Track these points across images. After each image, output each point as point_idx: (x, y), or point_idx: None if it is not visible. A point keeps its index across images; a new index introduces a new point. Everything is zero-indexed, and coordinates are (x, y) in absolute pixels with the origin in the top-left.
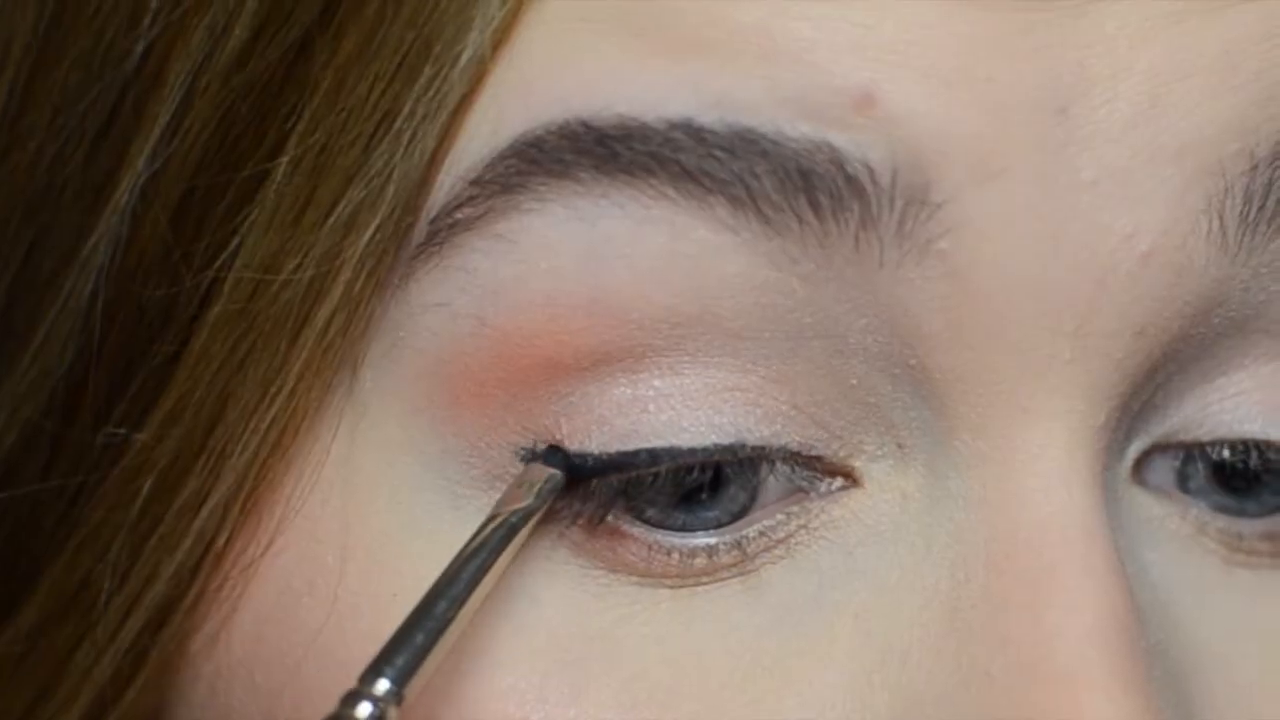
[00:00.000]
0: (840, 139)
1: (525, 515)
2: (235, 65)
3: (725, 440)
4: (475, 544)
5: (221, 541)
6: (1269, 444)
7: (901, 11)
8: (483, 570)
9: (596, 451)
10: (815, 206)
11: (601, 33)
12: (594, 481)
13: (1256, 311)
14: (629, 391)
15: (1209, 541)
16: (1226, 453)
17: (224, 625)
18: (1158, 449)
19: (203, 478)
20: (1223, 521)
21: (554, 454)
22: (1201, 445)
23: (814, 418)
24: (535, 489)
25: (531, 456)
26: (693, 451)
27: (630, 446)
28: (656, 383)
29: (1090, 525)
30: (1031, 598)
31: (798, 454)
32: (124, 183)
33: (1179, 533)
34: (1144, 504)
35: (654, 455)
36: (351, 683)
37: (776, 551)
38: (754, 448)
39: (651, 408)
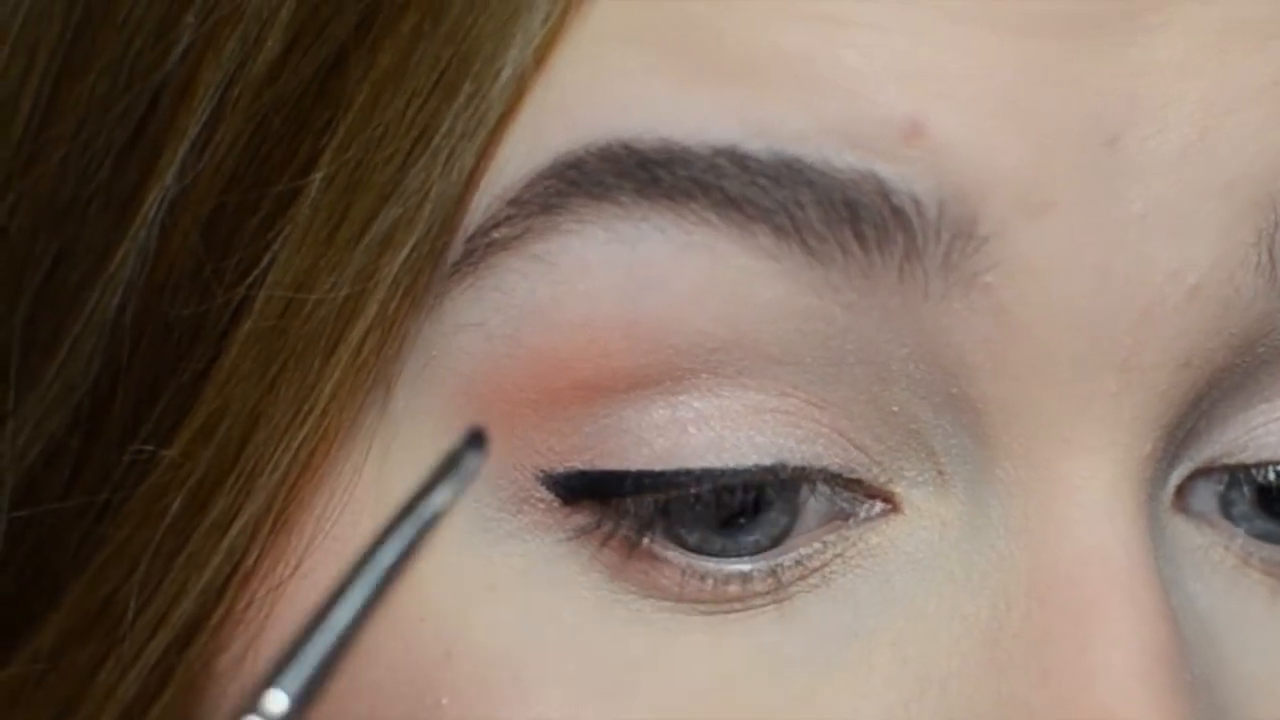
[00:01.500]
0: (887, 170)
1: (434, 515)
2: (268, 78)
3: (766, 461)
4: (384, 540)
5: (250, 561)
6: None
7: (948, 39)
8: (389, 576)
9: (635, 470)
10: (860, 238)
11: (645, 54)
12: (629, 501)
13: None
14: (668, 413)
15: (1253, 572)
16: (1271, 475)
17: (251, 646)
18: (1200, 473)
19: (232, 496)
20: (1267, 551)
21: (475, 441)
22: (1246, 468)
23: (854, 441)
24: (453, 478)
25: (549, 480)
26: (734, 472)
27: (670, 467)
28: (696, 404)
29: (1134, 557)
30: (1074, 630)
31: (839, 475)
32: (152, 196)
33: (1224, 564)
34: (1187, 533)
35: (694, 476)
36: (387, 709)
37: (812, 580)
38: (795, 468)
39: (691, 429)
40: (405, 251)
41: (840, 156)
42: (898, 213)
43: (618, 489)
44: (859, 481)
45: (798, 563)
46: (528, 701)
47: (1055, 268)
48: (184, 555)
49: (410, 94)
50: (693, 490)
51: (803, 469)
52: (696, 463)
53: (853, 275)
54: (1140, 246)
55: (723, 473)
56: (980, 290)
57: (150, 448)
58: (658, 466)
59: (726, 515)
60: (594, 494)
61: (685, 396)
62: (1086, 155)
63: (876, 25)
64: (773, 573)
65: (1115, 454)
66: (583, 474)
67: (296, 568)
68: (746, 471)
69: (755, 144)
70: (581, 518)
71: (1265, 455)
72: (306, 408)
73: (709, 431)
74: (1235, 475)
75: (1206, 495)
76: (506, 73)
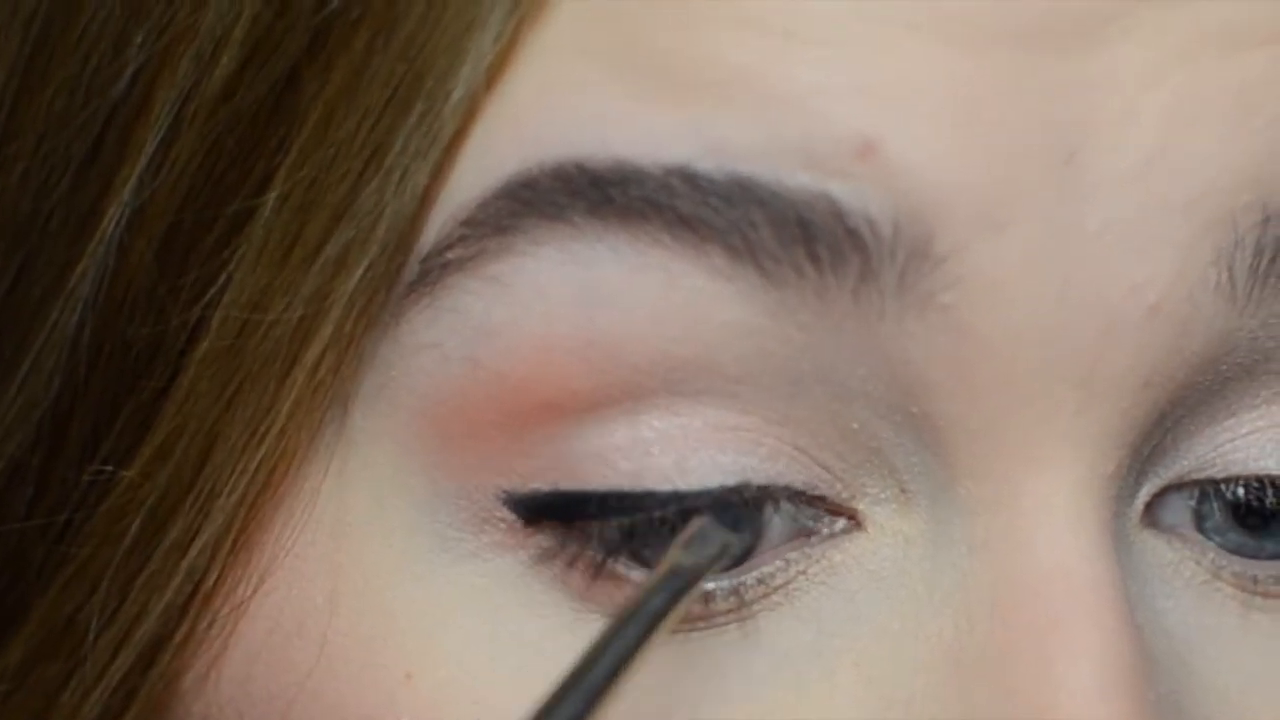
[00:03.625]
0: (840, 190)
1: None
2: (222, 96)
3: (730, 481)
4: (636, 608)
5: (211, 580)
6: None
7: (903, 55)
8: (644, 639)
9: (600, 492)
10: (814, 258)
11: (599, 71)
12: (594, 525)
13: (1265, 356)
14: (629, 434)
15: (1225, 586)
16: (1241, 490)
17: (214, 664)
18: (1172, 488)
19: (191, 516)
20: (1238, 565)
21: (556, 499)
22: (1216, 483)
23: (816, 459)
24: (704, 549)
25: (511, 500)
26: (698, 495)
27: (637, 489)
28: (657, 424)
29: (1098, 575)
30: (1038, 648)
31: (802, 493)
32: (109, 213)
33: (1194, 579)
34: (1156, 549)
35: (660, 499)
36: None
37: (775, 598)
38: (759, 487)
39: (654, 450)
40: (359, 272)
41: (793, 176)
42: (852, 234)
43: (582, 511)
44: (822, 498)
45: (760, 581)
46: None
47: (1014, 285)
48: (145, 575)
49: (363, 112)
50: (657, 513)
51: (766, 488)
52: (661, 485)
53: (807, 297)
54: (1100, 264)
55: (687, 495)
56: (937, 310)
57: (110, 468)
58: (624, 487)
59: None
60: (557, 515)
61: (646, 416)
62: (1044, 171)
63: (831, 41)
64: (735, 591)
65: (1078, 471)
66: (546, 495)
67: (258, 586)
68: (711, 493)
69: (707, 163)
70: (544, 539)
71: (1235, 470)
72: (264, 428)
73: (672, 452)
74: (1206, 490)
75: (1179, 509)
76: (459, 91)
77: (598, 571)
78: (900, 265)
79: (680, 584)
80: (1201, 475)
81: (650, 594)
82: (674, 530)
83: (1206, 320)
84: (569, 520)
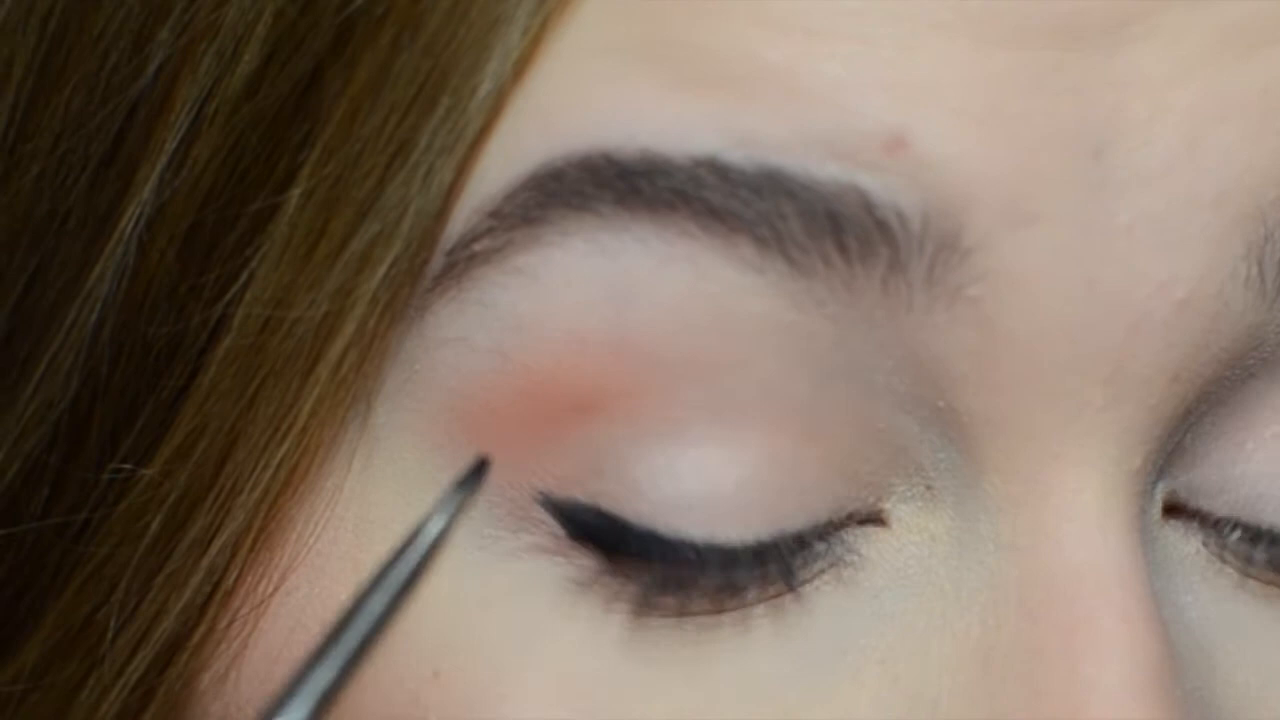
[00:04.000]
0: (870, 182)
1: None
2: (245, 93)
3: (765, 536)
4: (389, 566)
5: (231, 579)
6: None
7: (933, 51)
8: (397, 602)
9: (638, 530)
10: (843, 250)
11: (626, 64)
12: (633, 562)
13: None
14: (665, 465)
15: (1249, 581)
16: (1238, 534)
17: (233, 664)
18: (1178, 510)
19: (212, 515)
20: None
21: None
22: (1216, 520)
23: (844, 470)
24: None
25: (549, 503)
26: (734, 552)
27: (672, 536)
28: (693, 453)
29: (1126, 572)
30: (1066, 647)
31: (830, 522)
32: (129, 212)
33: (1218, 573)
34: (1177, 543)
35: (698, 551)
36: None
37: (812, 586)
38: (793, 535)
39: (688, 485)
40: (384, 268)
41: (822, 168)
42: (881, 225)
43: (620, 544)
44: (848, 515)
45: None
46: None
47: (1041, 280)
48: (164, 574)
49: (388, 108)
50: (693, 558)
51: (799, 534)
52: (697, 533)
53: (836, 288)
54: (1128, 259)
55: (724, 551)
56: (965, 303)
57: (129, 466)
58: (660, 528)
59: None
60: (597, 539)
61: (681, 446)
62: (1073, 167)
63: (861, 37)
64: (763, 581)
65: (1104, 467)
66: (587, 510)
67: (279, 585)
68: (746, 548)
69: (736, 154)
70: (586, 560)
71: (1238, 511)
72: (286, 425)
73: (707, 502)
74: (1206, 521)
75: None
76: (486, 86)
77: (637, 608)
78: (929, 258)
79: (426, 540)
80: (1206, 505)
81: (399, 555)
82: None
83: (1236, 315)
84: (609, 549)
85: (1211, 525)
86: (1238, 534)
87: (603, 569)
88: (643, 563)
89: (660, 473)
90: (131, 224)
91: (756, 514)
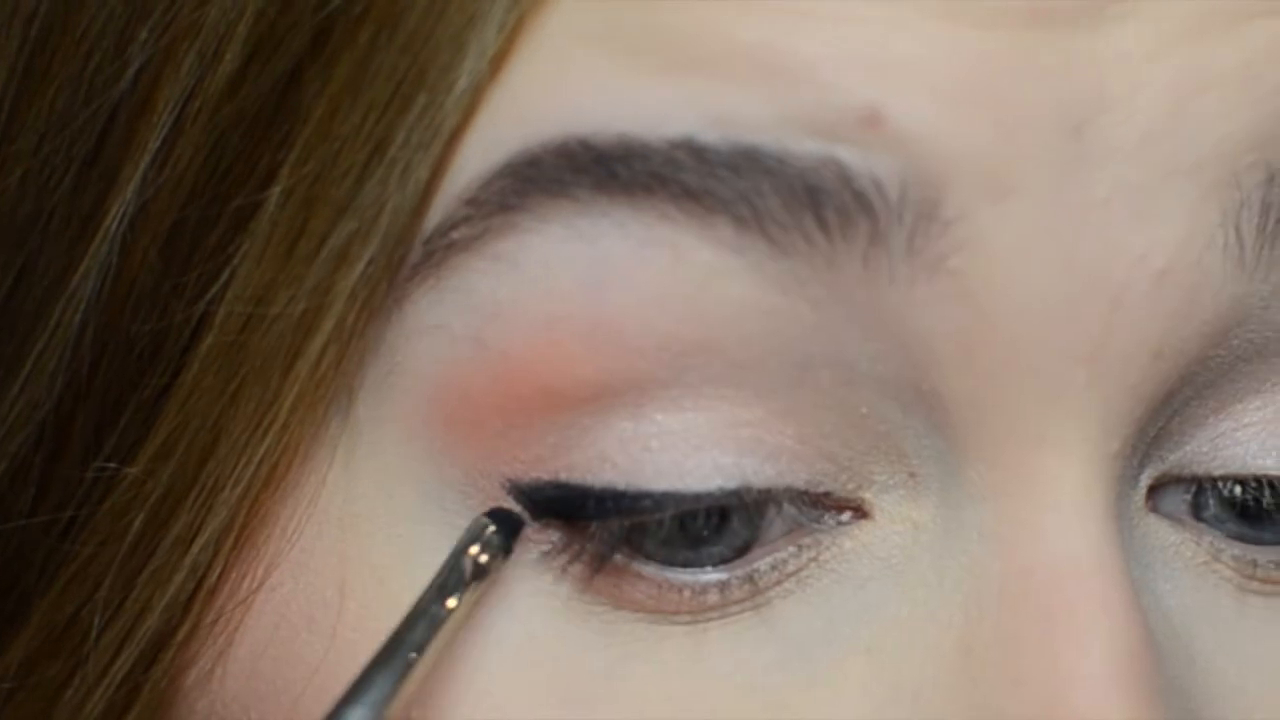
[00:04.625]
0: (847, 154)
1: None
2: (226, 93)
3: (730, 484)
4: (440, 586)
5: (215, 575)
6: None
7: (910, 28)
8: (445, 618)
9: (598, 489)
10: (823, 225)
11: (600, 50)
12: (594, 525)
13: (1277, 334)
14: (631, 426)
15: (1223, 569)
16: (1238, 489)
17: (219, 660)
18: (1170, 479)
19: (195, 512)
20: (1237, 549)
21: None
22: (1213, 479)
23: (821, 450)
24: (497, 538)
25: (516, 489)
26: (697, 497)
27: (633, 488)
28: (659, 417)
29: (1106, 562)
30: (1047, 637)
31: (805, 492)
32: (113, 211)
33: (1193, 561)
34: (1159, 532)
35: (657, 501)
36: None
37: (787, 585)
38: (759, 490)
39: (654, 444)
40: (362, 265)
41: (799, 143)
42: (860, 197)
43: (581, 511)
44: (826, 494)
45: (773, 568)
46: (495, 714)
47: (1020, 253)
48: (148, 571)
49: (367, 107)
50: (655, 516)
51: (767, 490)
52: (659, 485)
53: (817, 266)
54: (1106, 231)
55: (684, 497)
56: (946, 275)
57: (113, 464)
58: (620, 485)
59: (690, 537)
60: (559, 514)
61: (649, 409)
62: (1051, 142)
63: (836, 15)
64: (750, 579)
65: (1085, 450)
66: (548, 485)
67: (263, 580)
68: (709, 495)
69: (712, 134)
70: (551, 534)
71: (1233, 467)
72: (267, 422)
73: (672, 450)
74: (1203, 485)
75: (1176, 500)
76: (463, 83)
77: (600, 565)
78: (909, 228)
79: (454, 576)
80: (1200, 470)
81: (438, 583)
82: (682, 528)
83: (1216, 286)
84: (570, 519)
85: (1210, 484)
86: (1239, 487)
87: (567, 536)
88: (602, 523)
89: (626, 442)
90: (115, 223)
91: (720, 472)
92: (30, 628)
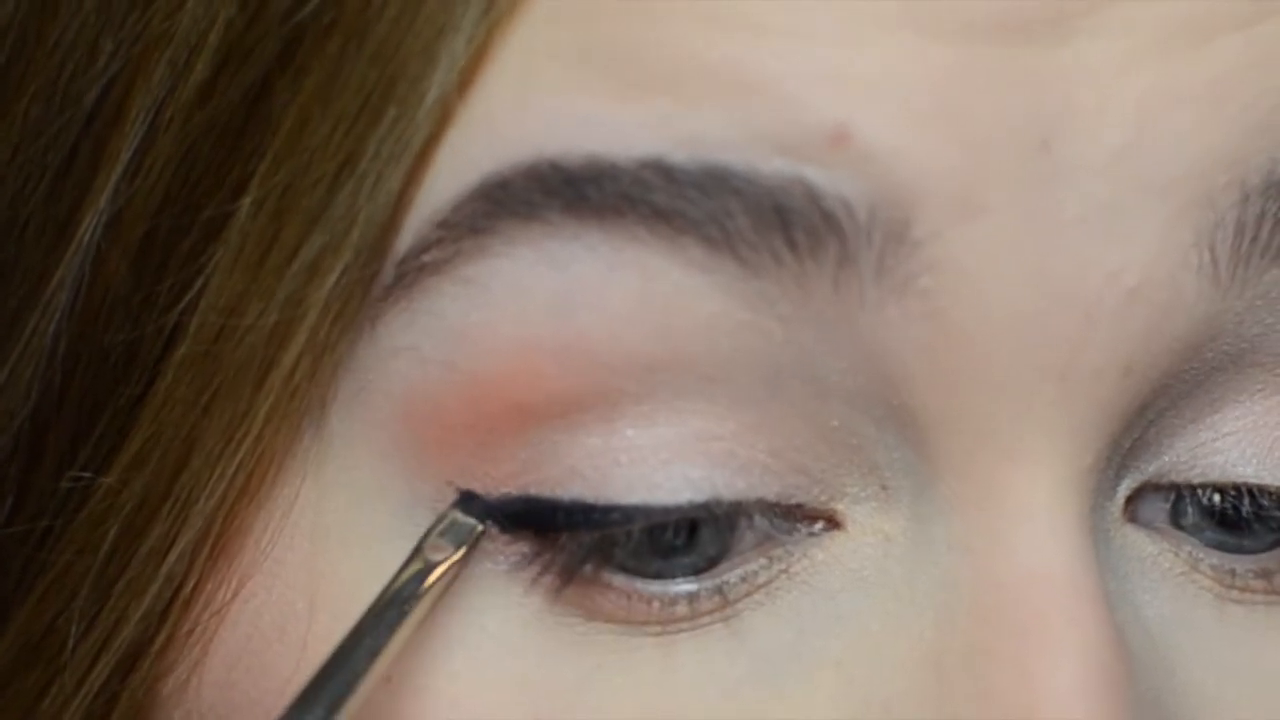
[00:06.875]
0: (816, 174)
1: (453, 569)
2: (197, 102)
3: (700, 497)
4: (396, 590)
5: (190, 586)
6: (1263, 489)
7: (876, 45)
8: (401, 619)
9: (567, 503)
10: (792, 245)
11: (570, 71)
12: (564, 536)
13: (1252, 345)
14: (600, 441)
15: (1202, 579)
16: (1217, 497)
17: (194, 670)
18: (1149, 487)
19: (169, 522)
20: (1216, 558)
21: (469, 501)
22: (1192, 487)
23: (793, 463)
24: (459, 540)
25: (485, 506)
26: (666, 510)
27: (602, 501)
28: (629, 432)
29: (1077, 575)
30: (1017, 650)
31: (776, 504)
32: (86, 220)
33: (1172, 571)
34: (1137, 543)
35: (627, 514)
36: None
37: (757, 597)
38: (730, 503)
39: (624, 459)
40: (334, 277)
41: (768, 162)
42: (828, 217)
43: (550, 523)
44: (799, 506)
45: (743, 579)
46: None
47: (991, 271)
48: (123, 581)
49: (336, 118)
50: (625, 529)
51: (738, 503)
52: (629, 498)
53: (787, 285)
54: (1077, 249)
55: (654, 510)
56: (916, 295)
57: (88, 474)
58: (589, 498)
59: (660, 548)
60: (529, 525)
61: (620, 424)
62: (1020, 158)
63: (802, 33)
64: (719, 590)
65: (1056, 464)
66: (517, 500)
67: (237, 591)
68: (679, 508)
69: (680, 155)
70: (522, 546)
71: (1213, 476)
72: (240, 433)
73: (641, 465)
74: (1181, 493)
75: (1155, 508)
76: (432, 95)
77: (570, 576)
78: (878, 249)
79: (423, 576)
80: (1179, 478)
81: (394, 587)
82: (652, 539)
83: (1189, 304)
84: (540, 531)
85: (1188, 492)
86: (1218, 495)
87: (536, 548)
88: (571, 535)
89: (596, 456)
90: (89, 232)
91: (690, 485)
92: (7, 637)
